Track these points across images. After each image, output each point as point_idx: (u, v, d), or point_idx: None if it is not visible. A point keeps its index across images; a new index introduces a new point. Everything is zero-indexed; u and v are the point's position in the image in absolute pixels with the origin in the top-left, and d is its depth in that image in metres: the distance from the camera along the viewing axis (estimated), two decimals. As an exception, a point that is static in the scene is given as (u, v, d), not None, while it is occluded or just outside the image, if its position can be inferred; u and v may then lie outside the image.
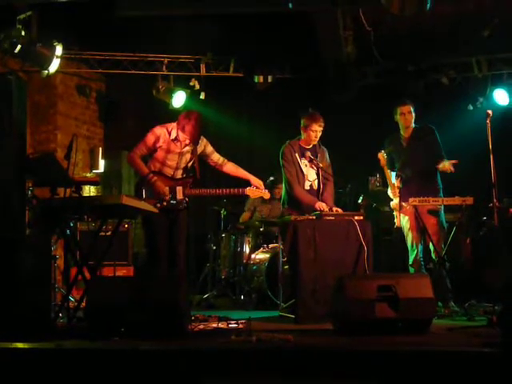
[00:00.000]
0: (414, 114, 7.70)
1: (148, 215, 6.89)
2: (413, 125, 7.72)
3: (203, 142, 7.42)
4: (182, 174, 7.29)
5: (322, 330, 6.11)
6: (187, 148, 7.26)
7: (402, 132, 7.78)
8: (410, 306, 5.69)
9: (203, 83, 10.00)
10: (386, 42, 8.94)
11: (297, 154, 7.50)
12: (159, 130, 7.22)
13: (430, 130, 7.70)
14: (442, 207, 7.47)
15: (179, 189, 7.16)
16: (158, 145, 7.17)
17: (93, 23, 8.41)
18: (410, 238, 7.58)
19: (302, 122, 7.53)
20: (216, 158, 7.49)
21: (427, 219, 7.42)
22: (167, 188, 7.12)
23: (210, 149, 7.46)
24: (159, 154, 7.20)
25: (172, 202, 7.10)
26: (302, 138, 7.56)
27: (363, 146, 9.98)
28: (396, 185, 7.51)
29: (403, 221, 7.55)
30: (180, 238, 7.20)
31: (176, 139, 7.20)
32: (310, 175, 7.55)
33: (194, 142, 7.25)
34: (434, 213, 7.42)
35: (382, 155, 7.62)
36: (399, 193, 7.40)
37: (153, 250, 7.14)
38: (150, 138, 7.20)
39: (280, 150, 7.58)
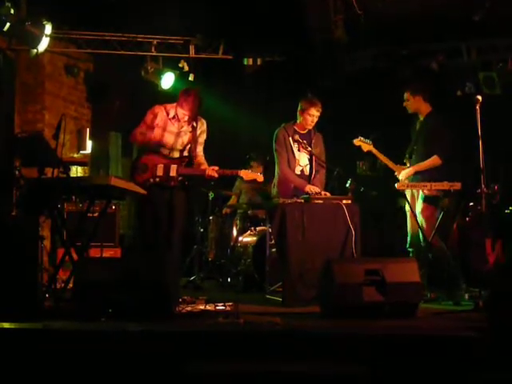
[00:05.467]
0: (415, 100, 7.64)
1: (145, 194, 6.81)
2: (428, 109, 7.69)
3: (203, 126, 7.28)
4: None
5: (309, 313, 6.13)
6: (184, 129, 7.14)
7: None
8: (396, 290, 5.72)
9: (192, 65, 9.96)
10: (375, 27, 8.92)
11: (290, 138, 7.50)
12: (157, 109, 7.09)
13: (439, 120, 7.66)
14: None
15: (173, 167, 7.03)
16: (155, 123, 7.07)
17: (82, 2, 8.34)
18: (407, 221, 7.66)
19: (299, 105, 7.54)
20: (201, 152, 7.35)
21: (417, 205, 7.43)
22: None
23: (202, 139, 7.38)
24: (156, 132, 7.09)
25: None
26: (298, 121, 7.57)
27: (351, 129, 9.98)
28: (407, 165, 7.61)
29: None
30: (175, 224, 7.14)
31: (174, 118, 7.09)
32: (302, 160, 7.56)
33: (193, 117, 7.12)
34: (426, 199, 7.41)
35: (360, 141, 7.68)
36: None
37: (144, 229, 7.12)
38: (148, 116, 7.08)
39: (274, 133, 7.58)
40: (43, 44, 7.61)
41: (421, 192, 7.37)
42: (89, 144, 10.53)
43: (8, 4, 6.84)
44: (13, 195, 6.59)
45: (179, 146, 7.14)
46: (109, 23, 9.44)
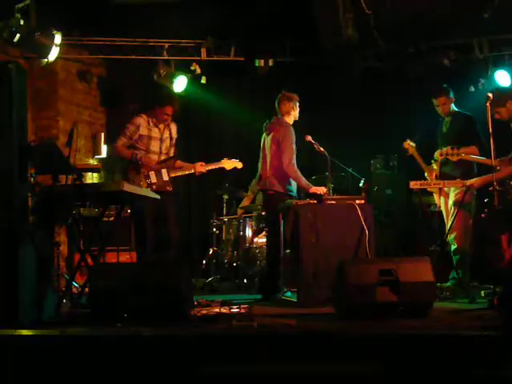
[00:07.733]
0: (450, 101, 7.76)
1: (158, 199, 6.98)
2: (452, 109, 7.81)
3: (174, 128, 7.73)
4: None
5: (323, 314, 6.13)
6: (166, 135, 7.59)
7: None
8: (410, 289, 5.69)
9: (204, 68, 10.00)
10: (386, 25, 8.90)
11: None
12: (139, 119, 7.50)
13: (467, 119, 7.72)
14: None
15: (164, 171, 7.43)
16: (138, 133, 7.45)
17: (92, 9, 8.40)
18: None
19: (290, 101, 7.66)
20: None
21: (446, 202, 7.54)
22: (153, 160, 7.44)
23: (175, 140, 7.77)
24: (143, 142, 7.47)
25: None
26: (287, 117, 7.62)
27: (365, 128, 9.99)
28: (435, 167, 7.66)
29: (442, 202, 7.74)
30: (172, 221, 7.47)
31: (155, 126, 7.52)
32: None
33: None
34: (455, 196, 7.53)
35: (409, 144, 7.72)
36: (435, 176, 7.60)
37: (142, 235, 7.28)
38: (130, 128, 7.48)
39: (290, 127, 7.57)
40: (53, 53, 7.66)
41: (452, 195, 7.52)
42: (104, 148, 10.59)
43: (17, 15, 6.89)
44: (28, 202, 6.63)
45: (164, 151, 7.59)
46: (120, 28, 9.48)
